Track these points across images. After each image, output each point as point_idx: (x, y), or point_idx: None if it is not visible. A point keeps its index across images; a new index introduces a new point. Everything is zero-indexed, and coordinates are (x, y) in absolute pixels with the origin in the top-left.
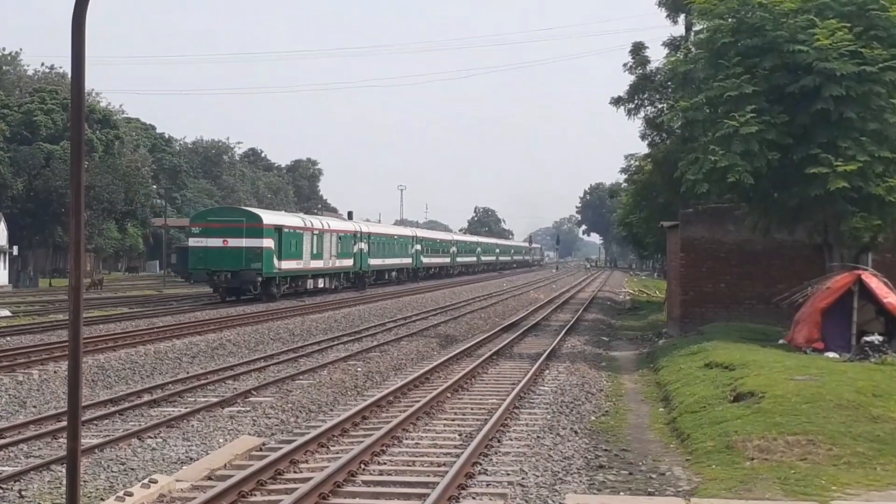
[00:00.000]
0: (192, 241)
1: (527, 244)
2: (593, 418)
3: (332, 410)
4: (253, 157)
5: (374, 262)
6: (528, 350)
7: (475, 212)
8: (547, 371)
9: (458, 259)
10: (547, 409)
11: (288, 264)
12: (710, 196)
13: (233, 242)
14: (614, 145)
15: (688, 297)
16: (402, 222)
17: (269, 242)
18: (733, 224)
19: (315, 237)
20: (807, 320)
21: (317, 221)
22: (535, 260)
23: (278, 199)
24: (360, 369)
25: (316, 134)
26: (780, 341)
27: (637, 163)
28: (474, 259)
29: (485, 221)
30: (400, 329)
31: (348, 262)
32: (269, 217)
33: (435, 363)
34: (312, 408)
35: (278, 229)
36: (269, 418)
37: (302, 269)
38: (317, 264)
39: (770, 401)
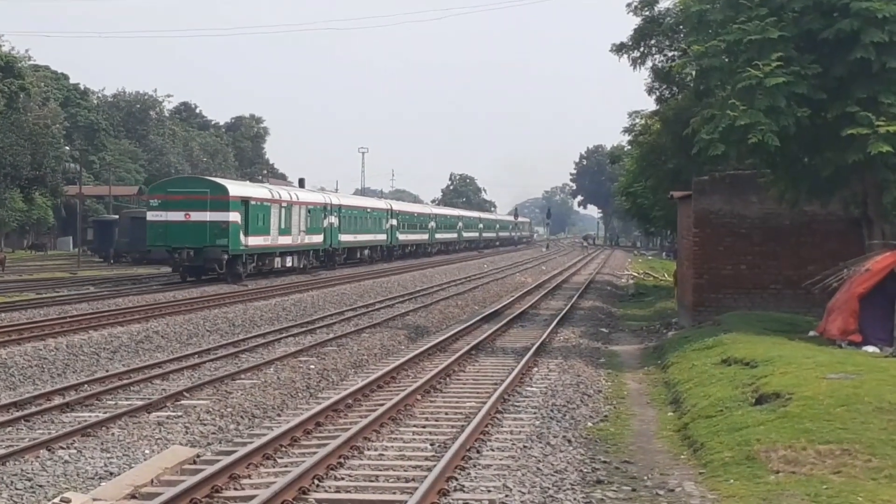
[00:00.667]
0: (151, 215)
1: (511, 218)
2: (590, 424)
3: (279, 416)
4: (185, 113)
5: (345, 238)
6: (512, 344)
7: (451, 180)
8: (535, 369)
9: (437, 235)
10: (535, 413)
11: (255, 241)
12: (729, 161)
13: (196, 216)
14: (616, 101)
15: (702, 281)
16: (363, 192)
17: (235, 216)
18: (756, 194)
19: (283, 210)
20: (842, 308)
21: (285, 193)
22: (522, 237)
23: (216, 163)
24: (313, 366)
25: (261, 87)
26: (811, 333)
27: (643, 121)
28: (455, 236)
29: (462, 191)
30: (361, 319)
31: (318, 239)
32: (236, 188)
33: (402, 359)
34: (256, 412)
35: (245, 202)
36: (205, 425)
37: (269, 245)
38: (285, 241)
39: (798, 403)
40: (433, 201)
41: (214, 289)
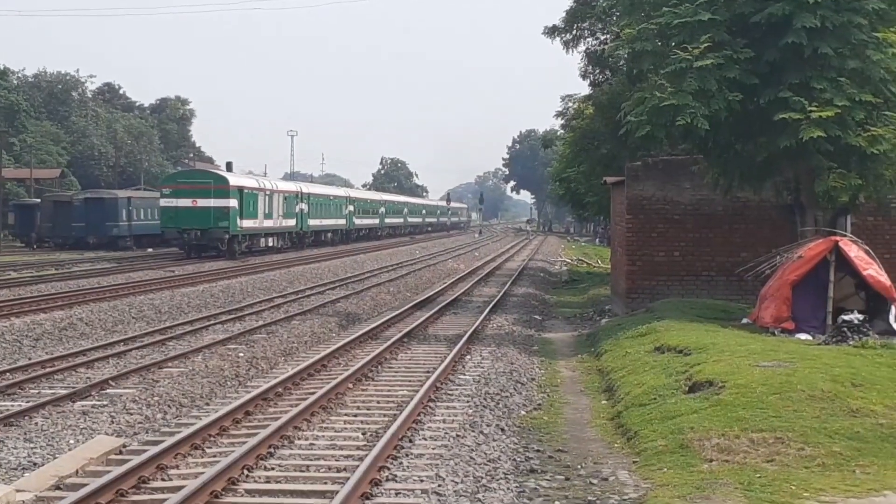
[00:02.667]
0: (164, 202)
1: (444, 203)
2: (523, 413)
3: (208, 405)
4: (109, 94)
5: (312, 222)
6: (445, 331)
7: (382, 164)
8: (468, 357)
9: (387, 220)
10: (468, 402)
11: (247, 223)
12: (662, 146)
13: (201, 202)
14: (550, 85)
15: (635, 268)
16: (292, 176)
17: (234, 202)
18: (689, 180)
19: (267, 198)
20: (775, 296)
21: (268, 183)
22: (460, 222)
23: (140, 145)
24: (242, 354)
25: (186, 68)
26: (744, 320)
27: (576, 106)
28: (401, 220)
29: (393, 175)
30: (291, 306)
31: (292, 223)
32: (234, 179)
33: (333, 347)
34: (184, 401)
35: (240, 190)
36: (131, 414)
37: (257, 227)
38: (268, 224)
39: (731, 391)
40: (364, 185)
41: (130, 274)
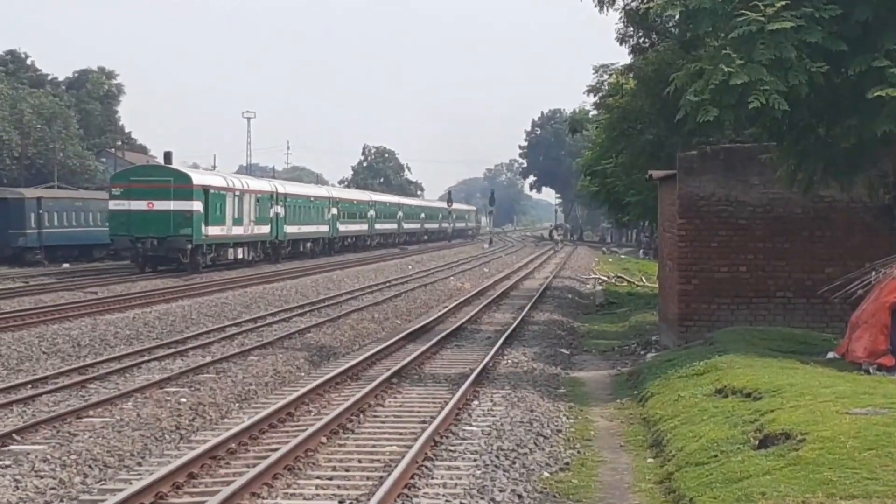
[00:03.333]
0: (113, 204)
1: (443, 205)
2: (547, 475)
3: (140, 465)
4: (13, 65)
5: (289, 229)
6: (445, 370)
7: (364, 154)
8: (475, 402)
9: (377, 226)
10: (476, 460)
11: (214, 231)
12: (724, 130)
13: (159, 205)
14: (578, 52)
15: (690, 288)
16: (249, 170)
17: (198, 205)
18: (759, 175)
19: (236, 199)
20: (869, 323)
21: (237, 181)
22: (468, 228)
23: (53, 130)
24: (184, 399)
25: (112, 32)
26: (830, 355)
27: (613, 79)
28: (394, 226)
29: (379, 169)
30: (247, 336)
31: (265, 230)
32: (198, 177)
33: (302, 390)
34: (110, 461)
35: (205, 190)
36: (42, 478)
37: (225, 236)
38: (238, 231)
39: (814, 446)
40: (341, 182)
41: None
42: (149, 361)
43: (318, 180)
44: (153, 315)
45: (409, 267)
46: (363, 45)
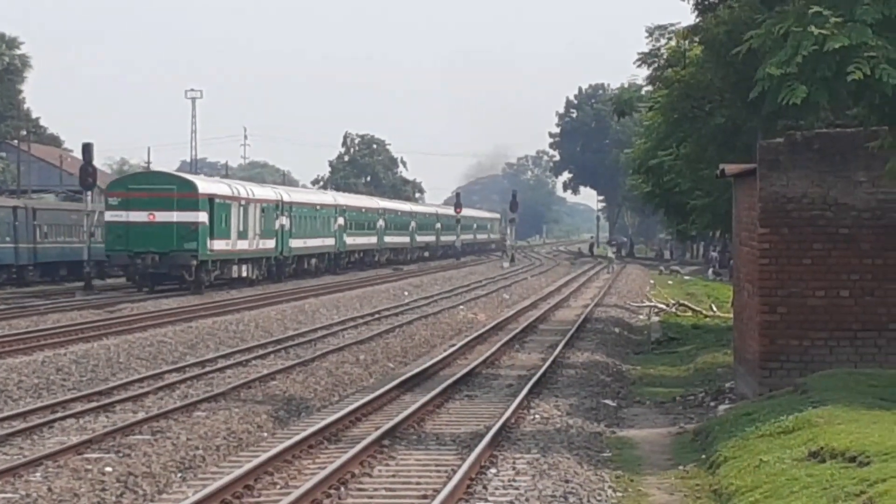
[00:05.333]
0: (110, 215)
1: (450, 210)
2: None
3: None
4: None
5: (295, 243)
6: (453, 428)
7: (346, 144)
8: (493, 470)
9: (387, 239)
10: None
11: (219, 245)
12: (817, 111)
13: (161, 217)
14: (628, 11)
15: (775, 319)
16: (194, 165)
17: (203, 217)
18: (866, 169)
19: (241, 209)
20: None
21: (242, 188)
22: (488, 242)
23: None
24: (109, 469)
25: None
26: None
27: (673, 44)
28: (407, 239)
29: (365, 164)
30: (193, 385)
31: (271, 244)
32: (203, 185)
33: (264, 455)
34: None
35: (211, 200)
36: None
37: (230, 251)
38: (243, 246)
39: None
40: (314, 182)
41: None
42: (63, 419)
43: (285, 180)
44: (68, 358)
45: (406, 291)
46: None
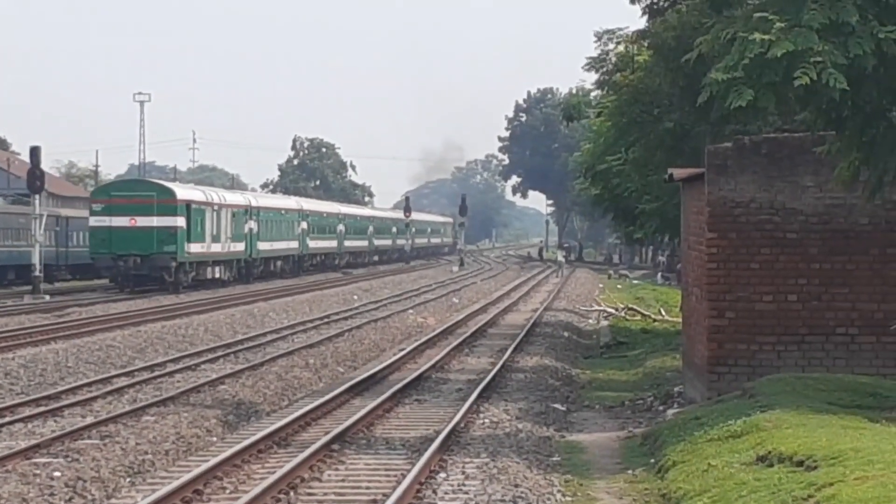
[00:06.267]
0: (94, 221)
1: (399, 214)
2: None
3: None
4: None
5: (262, 246)
6: (403, 433)
7: (295, 148)
8: (442, 475)
9: (346, 243)
10: None
11: (195, 248)
12: (765, 116)
13: (142, 221)
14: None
15: (724, 323)
16: (143, 169)
17: (181, 221)
18: (813, 173)
19: (214, 214)
20: None
21: (215, 194)
22: (441, 246)
23: None
24: (58, 473)
25: None
26: None
27: (622, 49)
28: (365, 243)
29: (315, 168)
30: (142, 390)
31: (241, 247)
32: (181, 192)
33: (214, 460)
34: None
35: (188, 205)
36: None
37: (205, 253)
38: (216, 248)
39: None
40: (264, 186)
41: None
42: (10, 423)
43: (235, 183)
44: (16, 362)
45: (357, 294)
46: (288, 5)
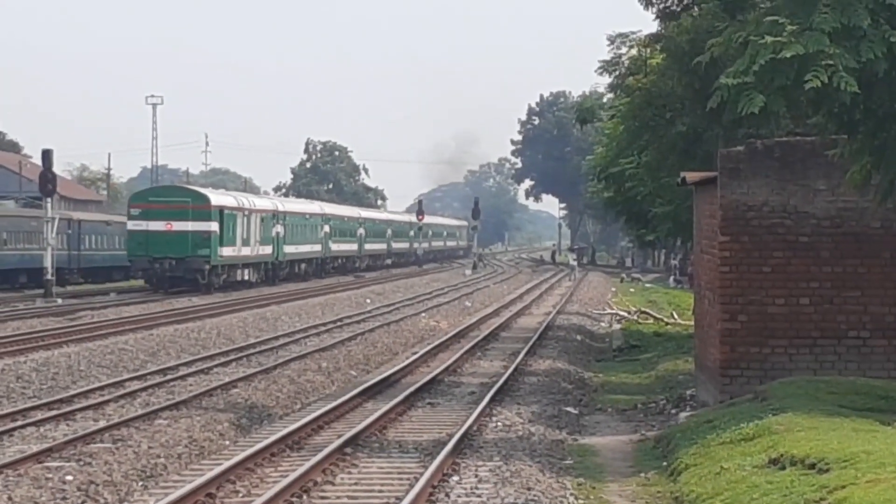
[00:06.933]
0: (132, 225)
1: (411, 217)
2: None
3: None
4: None
5: (288, 249)
6: (415, 436)
7: (308, 151)
8: (455, 478)
9: (366, 246)
10: None
11: (227, 251)
12: (778, 120)
13: (178, 226)
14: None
15: (736, 326)
16: (156, 172)
17: (215, 226)
18: (825, 177)
19: (245, 219)
20: None
21: (245, 200)
22: (457, 249)
23: None
24: (70, 478)
25: None
26: None
27: (635, 52)
28: (384, 246)
29: (327, 171)
30: (154, 393)
31: (268, 250)
32: (215, 197)
33: (227, 464)
34: None
35: (221, 211)
36: None
37: (236, 256)
38: (246, 252)
39: None
40: (277, 189)
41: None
42: (23, 427)
43: (247, 186)
44: (28, 366)
45: (368, 300)
46: (301, 8)
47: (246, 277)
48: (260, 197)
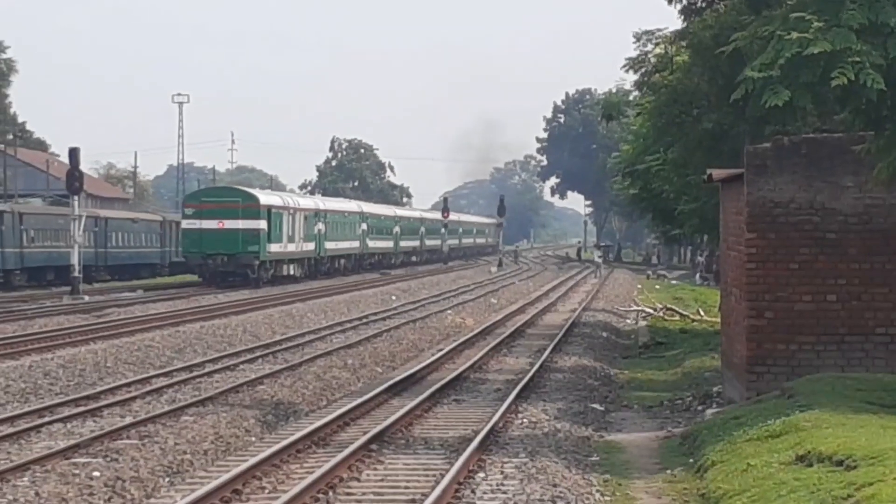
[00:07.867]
0: (186, 223)
1: (437, 215)
2: None
3: None
4: None
5: (329, 245)
6: (441, 433)
7: (333, 149)
8: (481, 474)
9: (401, 243)
10: None
11: (274, 248)
12: (804, 117)
13: (229, 224)
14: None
15: (763, 323)
16: (182, 170)
17: (263, 224)
18: (853, 174)
19: (290, 217)
20: None
21: (290, 199)
22: (485, 246)
23: None
24: (97, 473)
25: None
26: None
27: (660, 49)
28: (416, 243)
29: (353, 169)
30: (183, 389)
31: (311, 247)
32: (264, 197)
33: (253, 460)
34: None
35: (269, 210)
36: None
37: (282, 253)
38: (291, 248)
39: None
40: (302, 187)
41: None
42: (50, 423)
43: (273, 184)
44: (56, 363)
45: (394, 297)
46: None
47: (291, 272)
48: (303, 196)
